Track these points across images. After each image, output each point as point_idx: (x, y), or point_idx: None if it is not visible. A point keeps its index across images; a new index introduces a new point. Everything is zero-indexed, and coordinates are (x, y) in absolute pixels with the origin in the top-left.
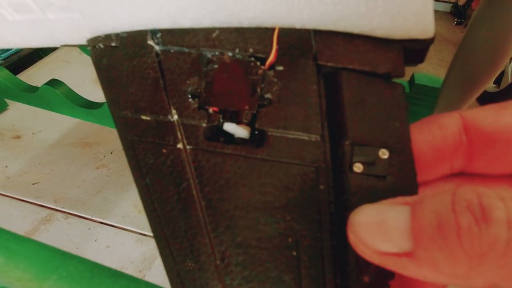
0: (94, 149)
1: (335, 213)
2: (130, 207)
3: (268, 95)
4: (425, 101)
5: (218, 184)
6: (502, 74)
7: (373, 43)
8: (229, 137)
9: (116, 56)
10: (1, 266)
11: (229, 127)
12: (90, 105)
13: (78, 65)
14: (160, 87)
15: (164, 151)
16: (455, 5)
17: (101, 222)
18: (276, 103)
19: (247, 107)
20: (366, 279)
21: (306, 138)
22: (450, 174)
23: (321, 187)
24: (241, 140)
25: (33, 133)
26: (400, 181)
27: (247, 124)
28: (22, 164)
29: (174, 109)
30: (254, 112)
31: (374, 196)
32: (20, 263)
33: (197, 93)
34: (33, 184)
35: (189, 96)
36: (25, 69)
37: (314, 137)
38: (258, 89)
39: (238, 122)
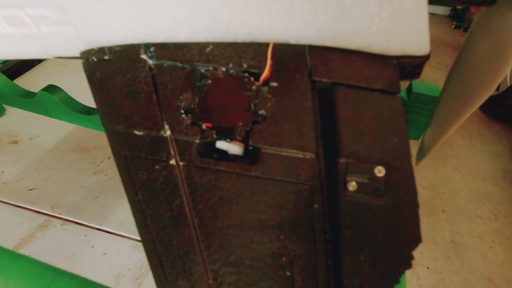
0: (92, 155)
1: (330, 232)
2: (127, 213)
3: (262, 112)
4: (423, 109)
5: (212, 202)
6: None
7: (369, 59)
8: (223, 153)
9: (109, 69)
10: None
11: (222, 145)
12: (88, 111)
13: (76, 70)
14: (153, 102)
15: (157, 167)
16: (453, 9)
17: (98, 229)
18: (270, 119)
19: (240, 123)
20: None
21: (300, 156)
22: None
23: (316, 205)
24: (235, 157)
25: (31, 138)
26: (399, 199)
27: (241, 141)
28: (19, 169)
29: (167, 124)
30: (248, 128)
31: (370, 215)
32: (10, 280)
33: (190, 108)
34: (30, 190)
35: (182, 111)
36: (23, 73)
37: (309, 155)
38: (252, 105)
39: (232, 138)
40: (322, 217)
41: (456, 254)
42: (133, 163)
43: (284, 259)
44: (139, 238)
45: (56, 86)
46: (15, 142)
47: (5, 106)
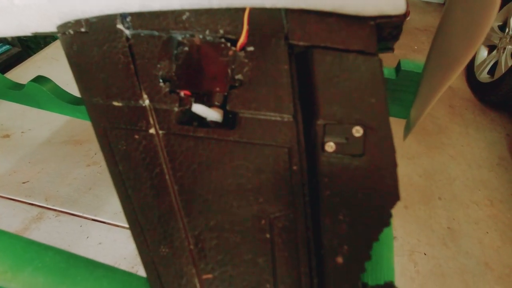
0: (85, 147)
1: (309, 194)
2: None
3: (239, 76)
4: (411, 87)
5: (191, 168)
6: (496, 64)
7: (345, 21)
8: (202, 121)
9: (86, 42)
10: None
11: (198, 108)
12: (78, 102)
13: (67, 63)
14: (131, 72)
15: (137, 137)
16: None
17: (92, 219)
18: (247, 84)
19: (218, 89)
20: (340, 260)
21: (278, 118)
22: None
23: (294, 167)
24: (215, 124)
25: (22, 132)
26: (377, 158)
27: (220, 107)
28: (12, 163)
29: (146, 94)
30: (225, 94)
31: (348, 175)
32: None
33: (168, 77)
34: (23, 183)
35: (160, 80)
36: (12, 68)
37: (287, 118)
38: (229, 71)
39: (210, 105)
40: (301, 179)
41: (452, 240)
42: (113, 134)
43: (263, 221)
44: None
45: (45, 77)
46: (7, 136)
47: None
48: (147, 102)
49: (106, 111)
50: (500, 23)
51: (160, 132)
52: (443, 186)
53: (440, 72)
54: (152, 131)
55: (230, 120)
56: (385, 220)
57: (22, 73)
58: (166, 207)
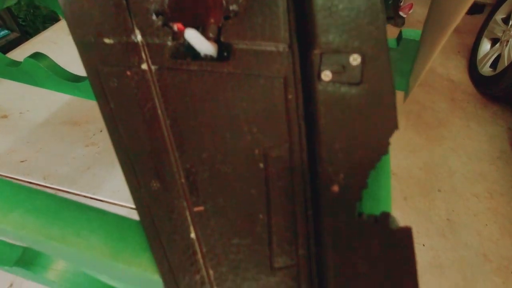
0: (84, 128)
1: (305, 125)
2: (120, 182)
3: (233, 7)
4: (411, 55)
5: (184, 102)
6: (499, 58)
7: None
8: (196, 56)
9: None
10: None
11: (191, 34)
12: (76, 79)
13: (65, 46)
14: (122, 7)
15: (128, 73)
16: None
17: (91, 198)
18: (242, 14)
19: (212, 20)
20: (335, 188)
21: (273, 48)
22: None
23: (289, 97)
24: (209, 58)
25: (21, 113)
26: (375, 87)
27: (215, 41)
28: (10, 142)
29: (138, 29)
30: (220, 25)
31: (345, 103)
32: None
33: (160, 10)
34: (22, 161)
35: (153, 13)
36: (11, 50)
37: (282, 47)
38: (224, 1)
39: (205, 38)
40: (296, 109)
41: (451, 232)
42: (104, 72)
43: (257, 151)
44: (133, 206)
45: (42, 54)
46: (5, 116)
47: None
48: (139, 37)
49: (98, 49)
50: (504, 16)
51: (153, 67)
52: (443, 178)
53: (433, 37)
54: (144, 66)
55: (224, 54)
56: (382, 149)
57: (20, 56)
58: (157, 142)
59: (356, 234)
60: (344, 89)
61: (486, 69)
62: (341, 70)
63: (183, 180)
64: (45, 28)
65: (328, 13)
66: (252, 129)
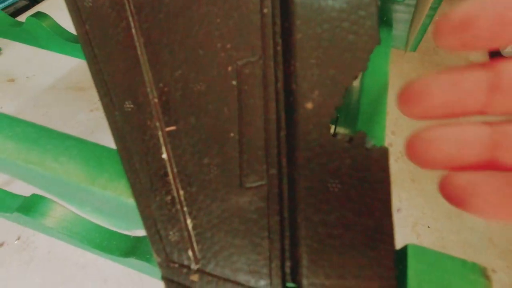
0: (88, 93)
1: (282, 42)
2: None
3: None
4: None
5: (158, 19)
6: None
7: None
8: None
9: None
10: None
11: None
12: (78, 40)
13: None
14: None
15: None
16: None
17: None
18: None
19: None
20: (309, 105)
21: None
22: None
23: (265, 10)
24: None
25: (27, 77)
26: None
27: None
28: (17, 106)
29: None
30: None
31: (324, 16)
32: None
33: None
34: None
35: None
36: (18, 15)
37: None
38: None
39: None
40: (272, 24)
41: (457, 215)
42: None
43: (230, 68)
44: None
45: (45, 14)
46: (12, 80)
47: (1, 46)
48: None
49: None
50: None
51: None
52: None
53: None
54: None
55: None
56: (360, 64)
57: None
58: (131, 61)
59: (329, 153)
60: (323, 1)
61: (507, 49)
62: None
63: (156, 100)
64: None
65: None
66: (226, 45)
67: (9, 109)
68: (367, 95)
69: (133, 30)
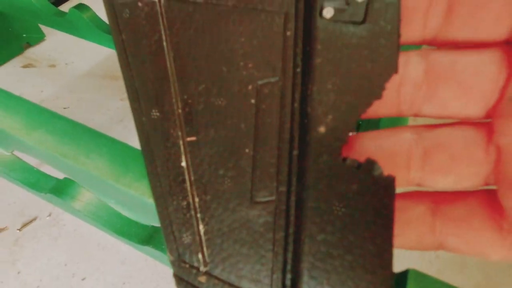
0: (120, 82)
1: (302, 64)
2: None
3: None
4: None
5: (187, 34)
6: None
7: None
8: None
9: None
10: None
11: None
12: None
13: None
14: None
15: (140, 4)
16: None
17: None
18: None
19: None
20: (322, 129)
21: None
22: (422, 39)
23: (288, 33)
24: None
25: (66, 64)
26: (378, 27)
27: None
28: (55, 90)
29: None
30: None
31: (344, 42)
32: (14, 116)
33: None
34: (64, 108)
35: None
36: (63, 3)
37: None
38: None
39: None
40: (294, 47)
41: None
42: (118, 3)
43: (250, 87)
44: None
45: (86, 6)
46: (53, 66)
47: (45, 32)
48: None
49: None
50: None
51: None
52: None
53: None
54: None
55: None
56: (377, 93)
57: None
58: (161, 72)
59: (337, 176)
60: (344, 28)
61: None
62: (345, 7)
63: (180, 111)
64: None
65: None
66: (248, 64)
67: (48, 93)
68: None
69: (164, 43)
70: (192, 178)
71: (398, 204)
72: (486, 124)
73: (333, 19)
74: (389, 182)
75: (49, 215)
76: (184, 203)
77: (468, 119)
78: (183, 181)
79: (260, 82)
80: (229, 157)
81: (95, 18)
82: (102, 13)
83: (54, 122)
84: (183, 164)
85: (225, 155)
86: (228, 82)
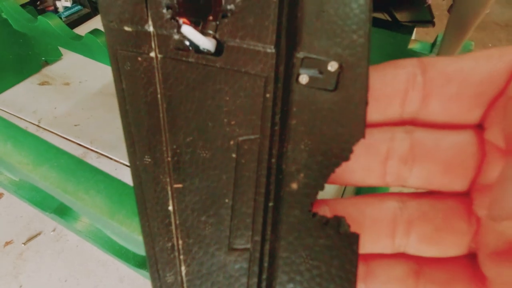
0: None
1: (278, 124)
2: None
3: (231, 7)
4: None
5: (179, 89)
6: None
7: None
8: (197, 49)
9: None
10: (9, 151)
11: (187, 30)
12: None
13: None
14: (142, 0)
15: (139, 59)
16: None
17: (126, 165)
18: (237, 14)
19: (210, 17)
20: (294, 186)
21: (260, 49)
22: (401, 119)
23: (267, 95)
24: (206, 52)
25: (80, 82)
26: (348, 94)
27: (213, 37)
28: (68, 107)
29: (151, 19)
30: (217, 23)
31: (317, 107)
32: (22, 151)
33: (170, 4)
34: (75, 125)
35: (164, 7)
36: (80, 25)
37: (268, 48)
38: (223, 1)
39: (204, 33)
40: (272, 107)
41: None
42: (121, 56)
43: (232, 142)
44: None
45: (100, 30)
46: (67, 83)
47: (61, 51)
48: (151, 28)
49: (118, 35)
50: None
51: (159, 55)
52: None
53: (456, 33)
54: (152, 54)
55: (218, 49)
56: (345, 155)
57: (87, 29)
58: (154, 122)
59: (306, 231)
60: (318, 94)
61: None
62: (319, 75)
63: (169, 159)
64: None
65: (316, 18)
66: (231, 121)
67: (61, 109)
68: None
69: (159, 95)
70: (178, 221)
71: (382, 262)
72: (466, 196)
73: (308, 85)
74: (354, 239)
75: (54, 230)
76: (169, 244)
77: (451, 192)
78: (169, 223)
79: (241, 138)
80: (211, 205)
81: None
82: None
83: (58, 158)
84: (170, 208)
85: (207, 203)
86: (213, 136)
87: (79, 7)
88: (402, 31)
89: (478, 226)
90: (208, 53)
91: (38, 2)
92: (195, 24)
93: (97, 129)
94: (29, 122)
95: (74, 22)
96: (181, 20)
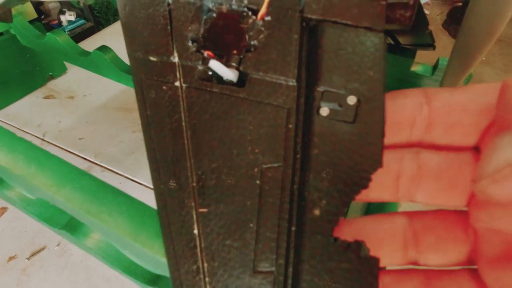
0: (134, 115)
1: (300, 152)
2: None
3: (254, 42)
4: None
5: (204, 118)
6: None
7: None
8: (220, 79)
9: (136, 4)
10: (33, 173)
11: (214, 64)
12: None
13: None
14: (167, 33)
15: (164, 87)
16: None
17: (131, 179)
18: (260, 49)
19: (235, 51)
20: (317, 212)
21: (283, 82)
22: (407, 143)
23: (290, 126)
24: (229, 83)
25: (84, 95)
26: (367, 127)
27: (237, 69)
28: (73, 121)
29: (176, 51)
30: (241, 56)
31: (337, 138)
32: (46, 172)
33: (196, 38)
34: (79, 139)
35: (190, 40)
36: (84, 39)
37: (290, 81)
38: (247, 37)
39: (228, 65)
40: (295, 137)
41: None
42: (146, 84)
43: (256, 169)
44: None
45: (108, 47)
46: (72, 97)
47: (67, 65)
48: (176, 59)
49: (144, 64)
50: None
51: (184, 85)
52: None
53: (462, 60)
54: (177, 83)
55: (242, 81)
56: (364, 183)
57: (92, 44)
58: (179, 148)
59: (328, 255)
60: (338, 125)
61: None
62: (338, 108)
63: (194, 184)
64: (115, 20)
65: (334, 55)
66: (255, 149)
67: (65, 123)
68: None
69: (183, 123)
70: (203, 245)
71: (395, 278)
72: (464, 212)
73: (328, 117)
74: (374, 263)
75: (58, 244)
76: (195, 266)
77: (453, 208)
78: (195, 246)
79: (264, 166)
80: (235, 229)
81: (116, 59)
82: (122, 54)
83: (80, 179)
84: (195, 231)
85: (232, 228)
86: (237, 163)
87: (83, 21)
88: (406, 54)
89: (476, 238)
90: (230, 83)
91: (43, 16)
92: (218, 57)
93: (102, 143)
94: (34, 135)
95: (78, 35)
96: (205, 53)
